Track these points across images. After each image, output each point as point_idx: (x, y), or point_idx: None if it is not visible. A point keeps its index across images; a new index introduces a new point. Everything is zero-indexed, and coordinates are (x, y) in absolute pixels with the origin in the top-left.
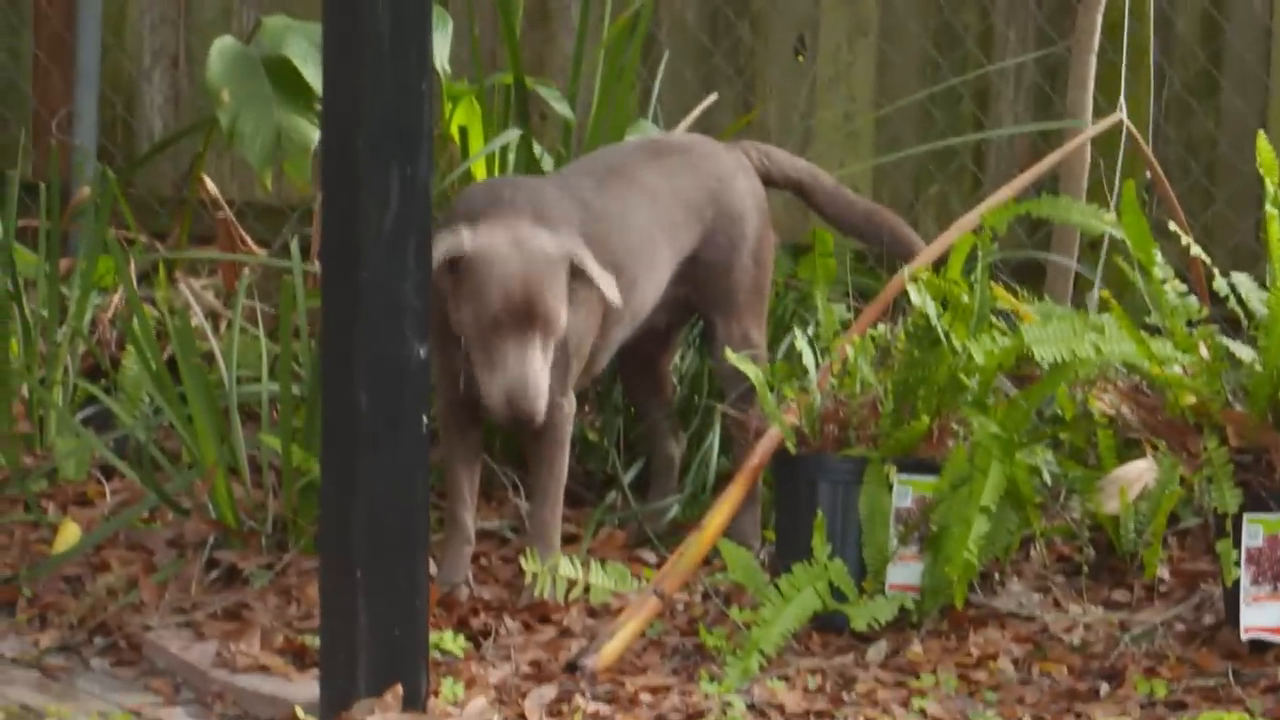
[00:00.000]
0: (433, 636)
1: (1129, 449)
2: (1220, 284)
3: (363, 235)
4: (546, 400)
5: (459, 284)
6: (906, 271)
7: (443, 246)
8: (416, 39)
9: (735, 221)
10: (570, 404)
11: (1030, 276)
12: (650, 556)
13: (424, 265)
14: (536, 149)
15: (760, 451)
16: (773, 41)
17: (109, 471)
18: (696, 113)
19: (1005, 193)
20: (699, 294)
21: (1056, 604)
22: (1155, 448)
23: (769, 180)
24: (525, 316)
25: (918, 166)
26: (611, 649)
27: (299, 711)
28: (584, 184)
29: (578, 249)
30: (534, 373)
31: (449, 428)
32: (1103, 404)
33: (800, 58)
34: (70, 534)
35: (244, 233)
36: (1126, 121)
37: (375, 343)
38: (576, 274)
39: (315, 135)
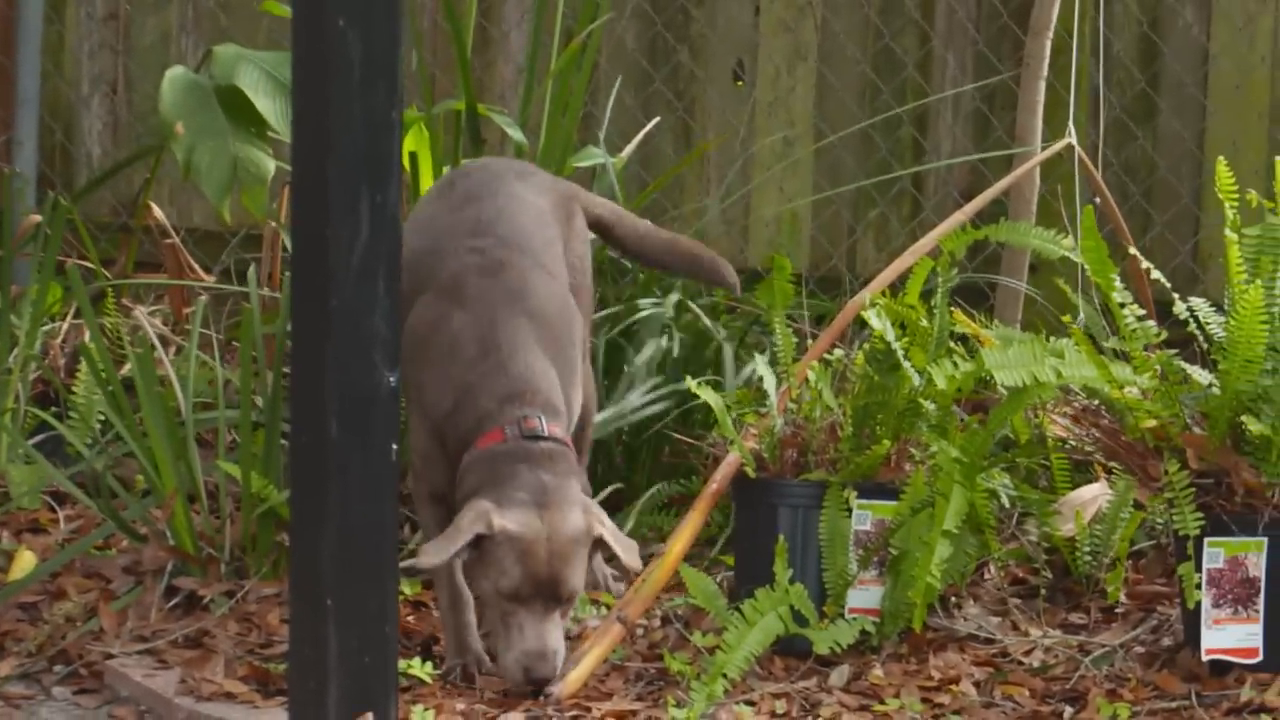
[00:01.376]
0: (400, 663)
1: (1082, 472)
2: (1179, 307)
3: (333, 264)
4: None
5: (482, 556)
6: (862, 297)
7: (469, 524)
8: (386, 69)
9: (583, 241)
10: None
11: (971, 299)
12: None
13: (393, 293)
14: None
15: (720, 477)
16: (712, 67)
17: (60, 498)
18: (639, 138)
19: (959, 217)
20: None
21: (1015, 627)
22: (1109, 471)
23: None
24: (551, 596)
25: (857, 191)
26: (576, 676)
27: None
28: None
29: (599, 520)
30: (554, 642)
31: (428, 504)
32: (1058, 428)
33: (739, 83)
34: (25, 561)
35: (190, 259)
36: (1076, 146)
37: (345, 371)
38: (599, 545)
39: (271, 166)
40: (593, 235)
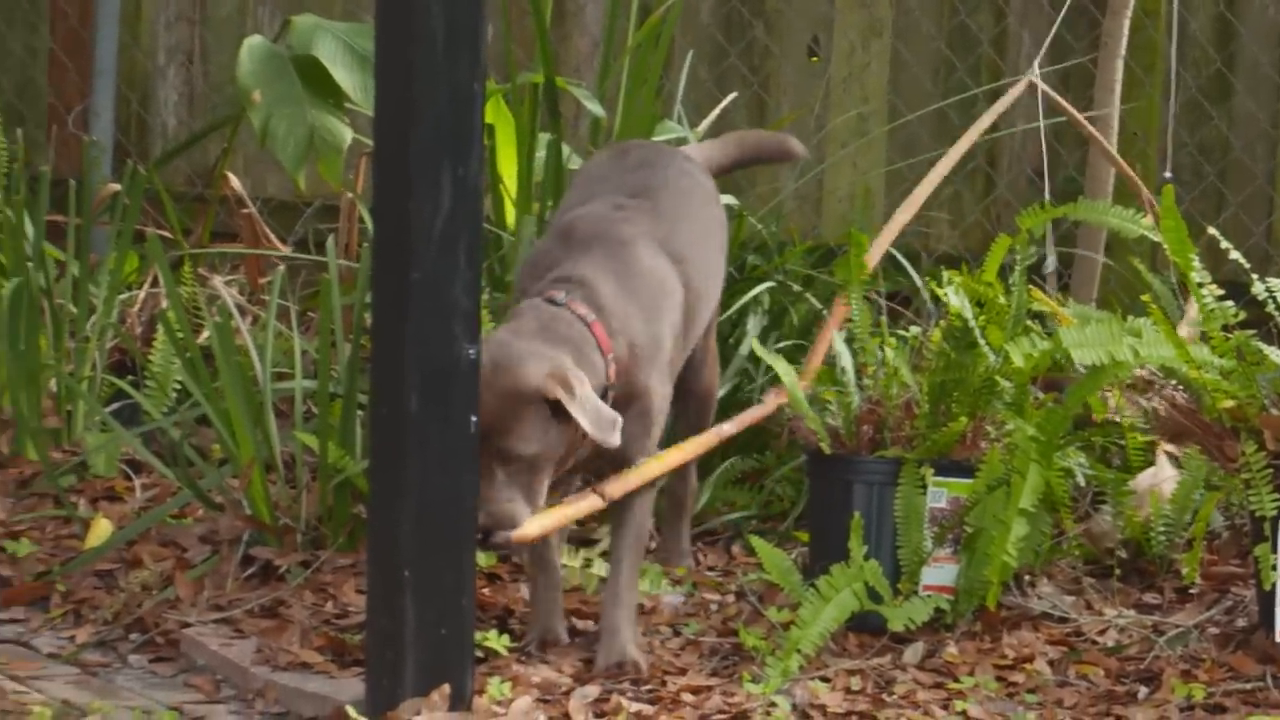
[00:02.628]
0: (476, 635)
1: (1155, 452)
2: (1258, 288)
3: (414, 236)
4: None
5: None
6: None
7: None
8: (470, 41)
9: (724, 232)
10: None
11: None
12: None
13: (474, 265)
14: (565, 149)
15: (742, 420)
16: (787, 42)
17: (136, 466)
18: (715, 113)
19: (964, 144)
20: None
21: (1089, 606)
22: (1169, 453)
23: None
24: (485, 448)
25: (931, 167)
26: (536, 525)
27: (350, 710)
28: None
29: (563, 383)
30: (491, 494)
31: None
32: (1135, 408)
33: (815, 58)
34: (102, 530)
35: (267, 229)
36: (1040, 83)
37: (425, 343)
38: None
39: (348, 135)
40: None
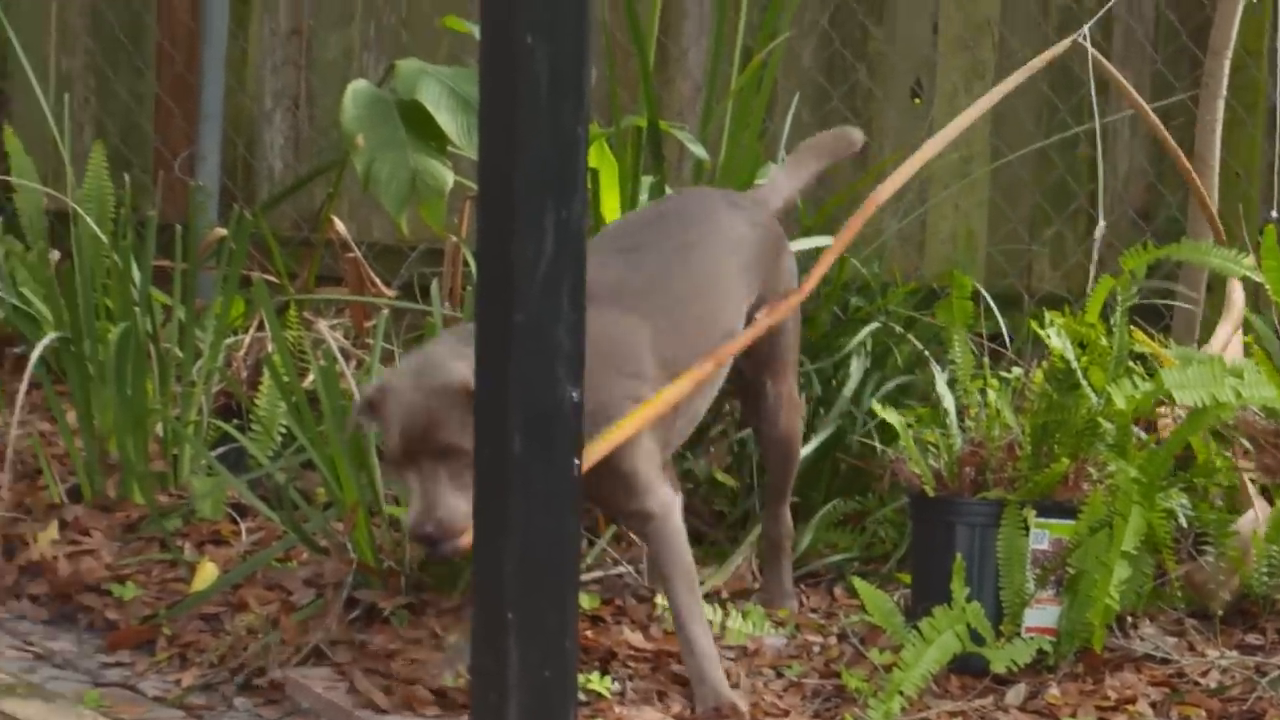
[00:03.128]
0: (579, 678)
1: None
2: None
3: (518, 278)
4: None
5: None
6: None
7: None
8: (573, 85)
9: (790, 283)
10: (668, 493)
11: (1149, 318)
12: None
13: (577, 308)
14: (668, 193)
15: (742, 339)
16: (890, 84)
17: (242, 510)
18: None
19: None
20: (752, 352)
21: (1191, 647)
22: (1265, 492)
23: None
24: (425, 451)
25: (1034, 208)
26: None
27: None
28: (631, 250)
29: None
30: (434, 499)
31: None
32: (1236, 449)
33: (917, 101)
34: (208, 573)
35: (372, 273)
36: (1089, 46)
37: (528, 385)
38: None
39: (450, 178)
40: None
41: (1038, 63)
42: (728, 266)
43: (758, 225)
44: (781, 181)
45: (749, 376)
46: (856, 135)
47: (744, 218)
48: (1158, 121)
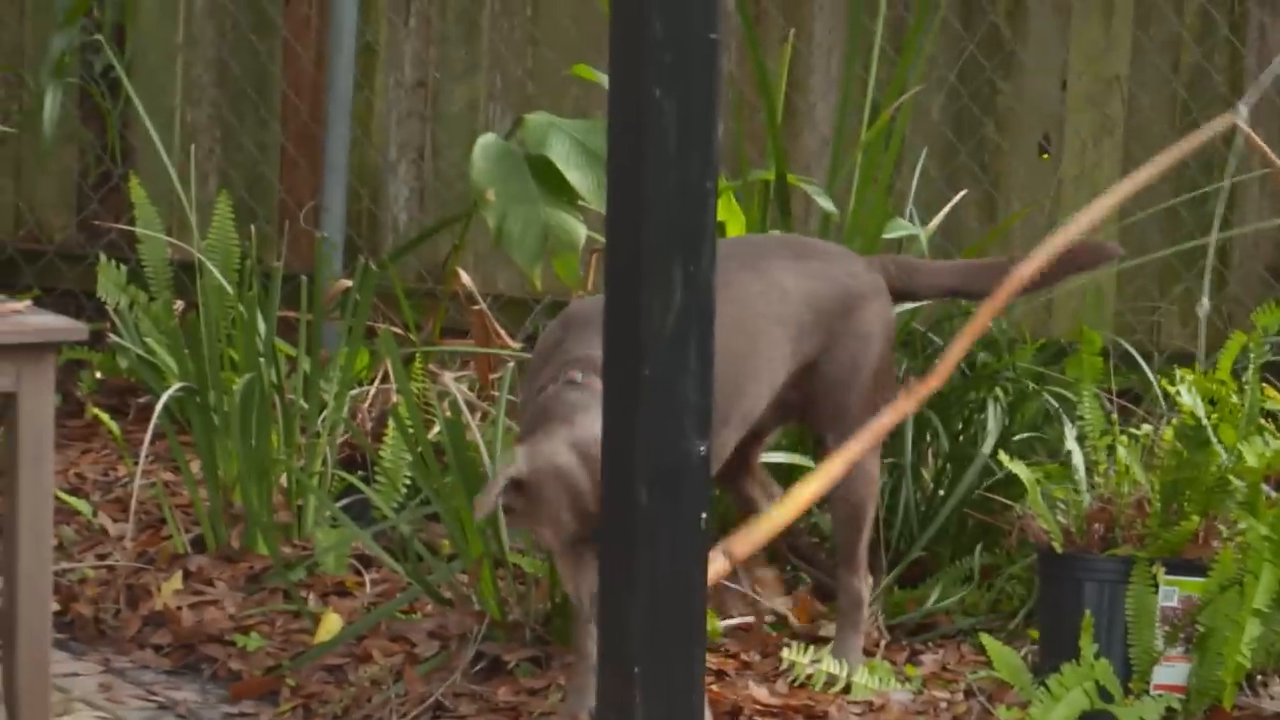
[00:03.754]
0: None
1: None
2: None
3: (645, 332)
4: None
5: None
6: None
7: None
8: (702, 139)
9: (863, 341)
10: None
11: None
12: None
13: (705, 361)
14: None
15: (894, 414)
16: (1018, 139)
17: (366, 561)
18: (945, 211)
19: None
20: (813, 407)
21: None
22: None
23: (913, 294)
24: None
25: (1163, 265)
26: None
27: None
28: None
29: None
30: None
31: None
32: None
33: (1045, 156)
34: (332, 624)
35: (497, 326)
36: (1241, 124)
37: (656, 439)
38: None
39: (583, 232)
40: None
41: (1189, 144)
42: (758, 318)
43: (822, 278)
44: (935, 266)
45: (814, 433)
46: (1113, 248)
47: (803, 269)
48: None
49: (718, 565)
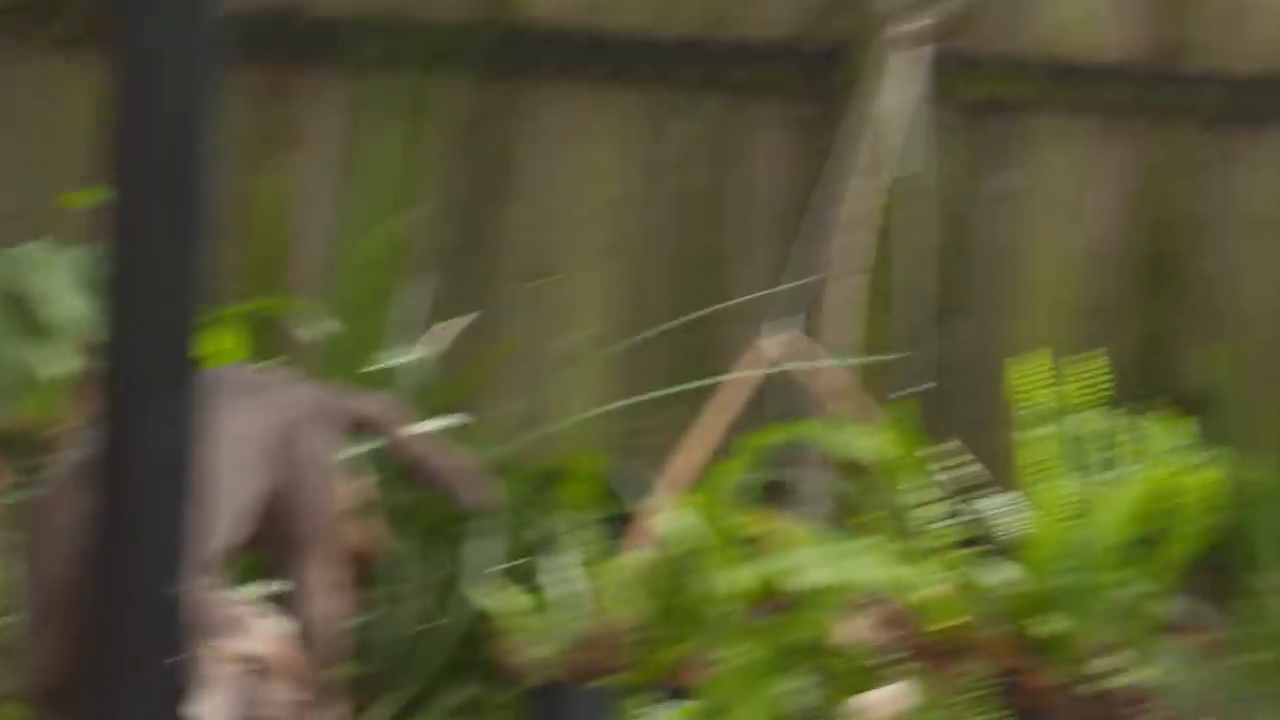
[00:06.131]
0: None
1: (883, 673)
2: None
3: (117, 466)
4: None
5: None
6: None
7: None
8: (186, 264)
9: (306, 469)
10: None
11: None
12: None
13: (182, 498)
14: None
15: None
16: (516, 264)
17: None
18: (438, 336)
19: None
20: (270, 536)
21: None
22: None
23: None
24: None
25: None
26: None
27: None
28: None
29: None
30: None
31: None
32: (857, 629)
33: (539, 281)
34: None
35: None
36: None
37: (129, 578)
38: None
39: (60, 367)
40: None
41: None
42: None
43: (267, 410)
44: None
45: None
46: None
47: (248, 404)
48: None
49: None
